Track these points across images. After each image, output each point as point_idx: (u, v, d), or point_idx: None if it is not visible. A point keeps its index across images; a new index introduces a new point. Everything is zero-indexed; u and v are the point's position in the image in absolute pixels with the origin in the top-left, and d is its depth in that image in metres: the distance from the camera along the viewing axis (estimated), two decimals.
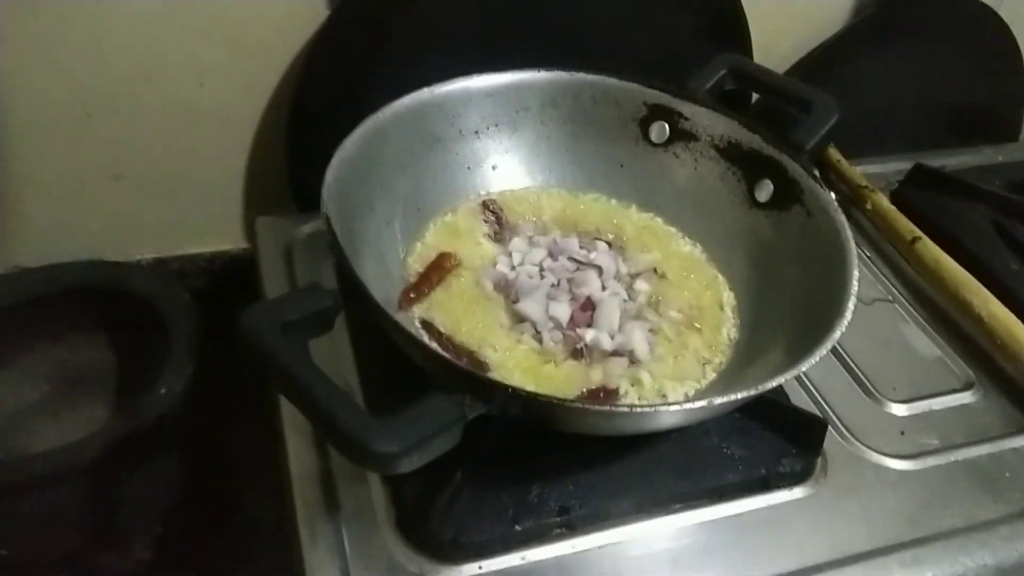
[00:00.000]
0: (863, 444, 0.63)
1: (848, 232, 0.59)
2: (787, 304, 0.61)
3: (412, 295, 0.61)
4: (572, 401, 0.47)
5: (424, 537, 0.52)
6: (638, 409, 0.47)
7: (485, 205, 0.69)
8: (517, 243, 0.66)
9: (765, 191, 0.66)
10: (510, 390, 0.44)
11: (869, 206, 0.83)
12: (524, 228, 0.68)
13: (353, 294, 0.50)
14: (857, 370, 0.69)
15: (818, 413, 0.63)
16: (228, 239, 0.86)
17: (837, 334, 0.51)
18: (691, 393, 0.58)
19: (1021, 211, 0.83)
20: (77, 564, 0.72)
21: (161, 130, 0.77)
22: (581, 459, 0.56)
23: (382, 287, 0.59)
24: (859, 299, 0.76)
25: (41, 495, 0.65)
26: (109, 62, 0.72)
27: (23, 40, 0.69)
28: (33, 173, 0.76)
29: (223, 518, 0.79)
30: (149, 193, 0.80)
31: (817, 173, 0.64)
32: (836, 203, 0.61)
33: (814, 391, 0.66)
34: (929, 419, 0.66)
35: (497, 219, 0.68)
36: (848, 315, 0.53)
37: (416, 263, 0.64)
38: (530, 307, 0.59)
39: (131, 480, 0.70)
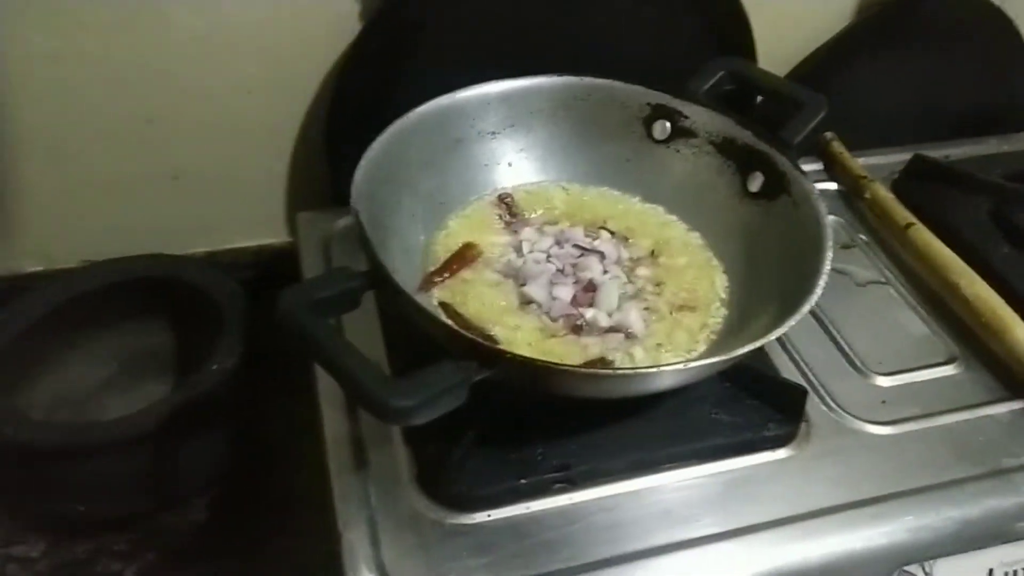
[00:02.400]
0: (845, 412, 0.68)
1: (826, 219, 0.64)
2: (773, 285, 0.66)
3: (434, 279, 0.68)
4: (558, 364, 0.54)
5: (440, 490, 0.59)
6: (620, 371, 0.54)
7: (501, 199, 0.76)
8: (527, 232, 0.72)
9: (756, 183, 0.72)
10: (508, 355, 0.51)
11: (868, 195, 0.88)
12: (535, 219, 0.75)
13: (378, 277, 0.57)
14: (846, 346, 0.74)
15: (804, 384, 0.69)
16: (273, 234, 0.95)
17: (806, 308, 0.57)
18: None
19: (1016, 199, 0.86)
20: (140, 523, 0.81)
21: (213, 136, 0.86)
22: (581, 423, 0.63)
23: (406, 273, 0.66)
24: (854, 281, 0.83)
25: (110, 458, 0.74)
26: (169, 76, 0.81)
27: (96, 60, 0.78)
28: (100, 176, 0.85)
29: (268, 485, 0.87)
30: (202, 192, 0.89)
31: (802, 166, 0.70)
32: (818, 193, 0.67)
33: (803, 365, 0.72)
34: (911, 390, 0.71)
35: (511, 211, 0.75)
36: (818, 292, 0.58)
37: (440, 251, 0.71)
38: (535, 290, 0.66)
39: (187, 447, 0.79)
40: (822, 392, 0.70)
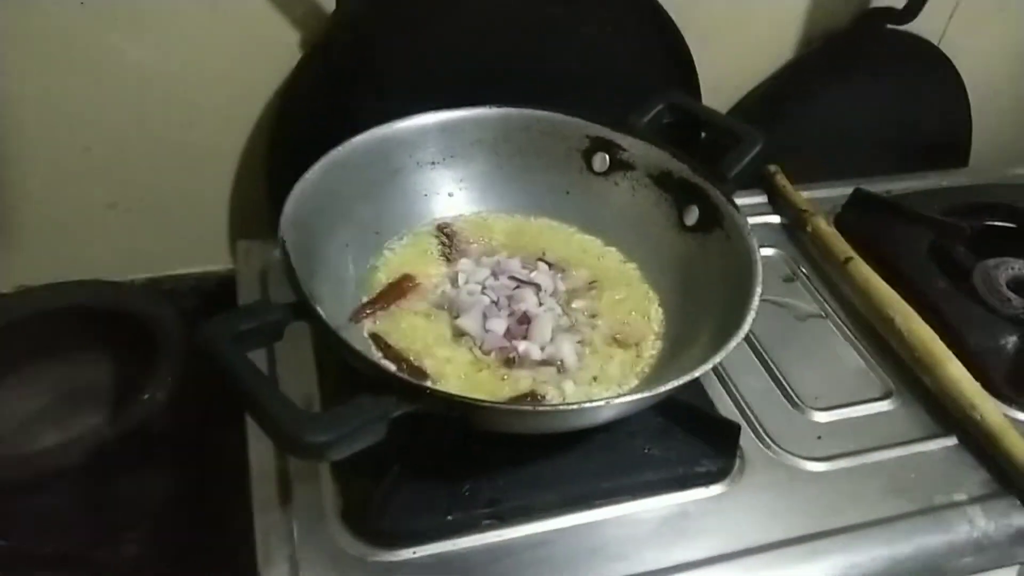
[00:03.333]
0: (780, 448, 0.68)
1: (757, 253, 0.64)
2: (707, 318, 0.66)
3: (367, 311, 0.68)
4: (479, 400, 0.53)
5: (364, 526, 0.58)
6: (542, 408, 0.53)
7: (440, 229, 0.76)
8: (464, 264, 0.72)
9: (692, 216, 0.72)
10: (427, 390, 0.51)
11: (809, 228, 0.89)
12: (474, 250, 0.74)
13: (303, 308, 0.56)
14: (783, 380, 0.74)
15: (739, 419, 0.69)
16: (215, 261, 0.93)
17: (733, 343, 0.57)
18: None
19: (955, 234, 0.87)
20: (71, 560, 0.79)
21: (153, 163, 0.84)
22: (511, 457, 0.62)
23: (337, 304, 0.65)
24: (794, 314, 0.83)
25: (37, 492, 0.72)
26: (109, 106, 0.79)
27: (36, 92, 0.77)
28: (37, 202, 0.83)
29: (207, 516, 0.85)
30: (142, 220, 0.87)
31: (748, 199, 0.71)
32: (750, 227, 0.67)
33: (740, 399, 0.72)
34: (847, 425, 0.71)
35: (450, 242, 0.75)
36: (746, 328, 0.58)
37: (375, 282, 0.71)
38: (468, 322, 0.66)
39: (120, 481, 0.76)
40: (758, 427, 0.70)
